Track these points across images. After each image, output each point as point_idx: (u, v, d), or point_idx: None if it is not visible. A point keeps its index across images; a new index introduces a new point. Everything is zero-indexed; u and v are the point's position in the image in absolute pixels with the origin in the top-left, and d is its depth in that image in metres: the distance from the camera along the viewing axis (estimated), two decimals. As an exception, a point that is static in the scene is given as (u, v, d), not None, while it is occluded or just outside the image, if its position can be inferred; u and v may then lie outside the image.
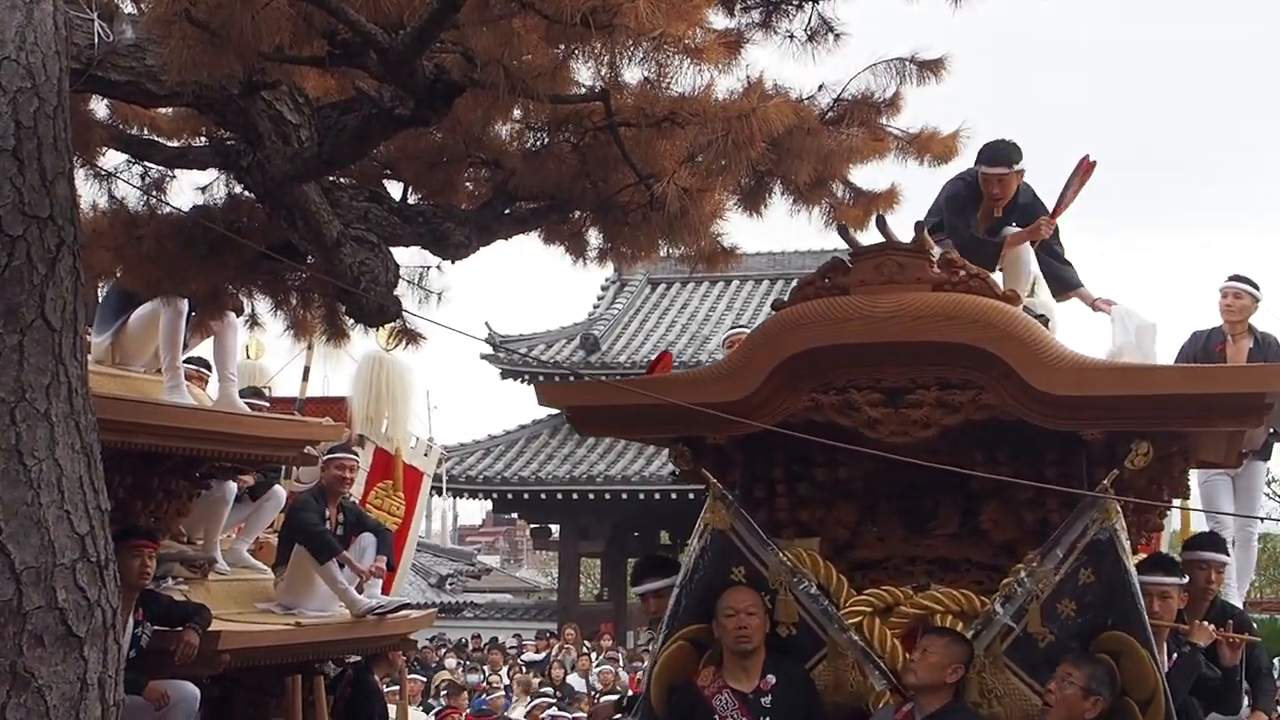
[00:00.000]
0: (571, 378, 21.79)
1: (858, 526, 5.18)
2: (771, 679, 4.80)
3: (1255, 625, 6.24)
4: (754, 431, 4.92)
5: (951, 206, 6.17)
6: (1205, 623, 5.46)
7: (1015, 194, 6.24)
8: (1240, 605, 6.67)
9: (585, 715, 11.91)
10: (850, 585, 4.94)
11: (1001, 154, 6.17)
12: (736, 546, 4.94)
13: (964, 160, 6.12)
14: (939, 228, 6.04)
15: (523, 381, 26.60)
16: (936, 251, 5.09)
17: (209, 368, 8.12)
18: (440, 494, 16.45)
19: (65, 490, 4.09)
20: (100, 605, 4.13)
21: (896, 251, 4.97)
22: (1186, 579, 5.44)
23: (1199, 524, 7.43)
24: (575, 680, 16.10)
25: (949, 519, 5.07)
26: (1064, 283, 6.53)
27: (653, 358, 13.31)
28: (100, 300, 7.36)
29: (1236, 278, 7.60)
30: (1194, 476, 6.67)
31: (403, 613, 8.38)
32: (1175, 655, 5.31)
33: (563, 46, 4.33)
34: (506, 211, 5.55)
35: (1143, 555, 5.70)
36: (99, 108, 5.37)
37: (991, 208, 6.23)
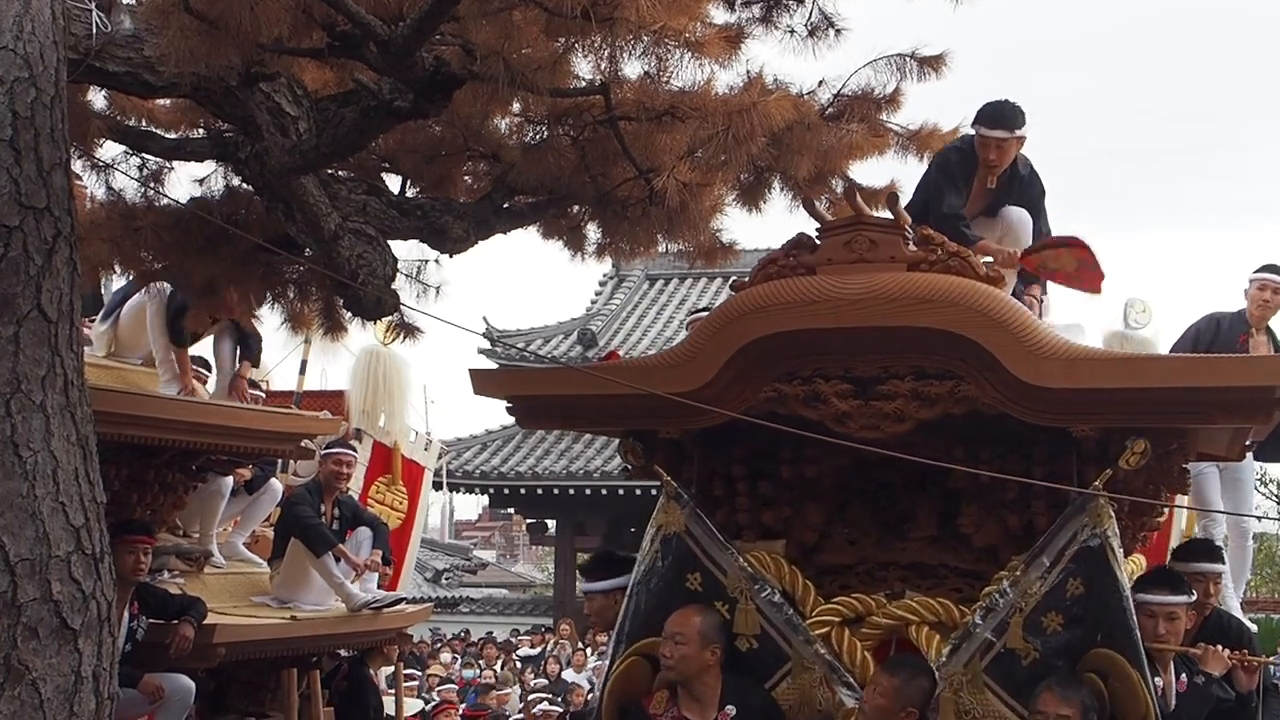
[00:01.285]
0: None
1: (826, 529, 4.77)
2: (731, 710, 4.36)
3: (1255, 625, 6.01)
4: (712, 424, 4.49)
5: (942, 174, 5.63)
6: (1220, 647, 4.93)
7: (1015, 165, 5.71)
8: (1238, 607, 6.37)
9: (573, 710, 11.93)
10: (818, 593, 4.55)
11: (1004, 116, 5.57)
12: (692, 551, 4.54)
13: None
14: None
15: (521, 377, 26.49)
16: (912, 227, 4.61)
17: (209, 368, 8.13)
18: (438, 489, 16.44)
19: (61, 482, 4.08)
20: (95, 598, 4.12)
21: (869, 226, 4.48)
22: (1194, 596, 4.91)
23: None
24: (570, 675, 16.10)
25: (926, 521, 4.68)
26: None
27: (651, 354, 13.24)
28: (113, 290, 7.37)
29: (1273, 268, 7.04)
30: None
31: (398, 607, 8.39)
32: (1187, 683, 4.77)
33: (563, 40, 4.31)
34: (505, 205, 5.53)
35: (1138, 557, 5.43)
36: (97, 98, 5.36)
37: (987, 176, 5.68)
